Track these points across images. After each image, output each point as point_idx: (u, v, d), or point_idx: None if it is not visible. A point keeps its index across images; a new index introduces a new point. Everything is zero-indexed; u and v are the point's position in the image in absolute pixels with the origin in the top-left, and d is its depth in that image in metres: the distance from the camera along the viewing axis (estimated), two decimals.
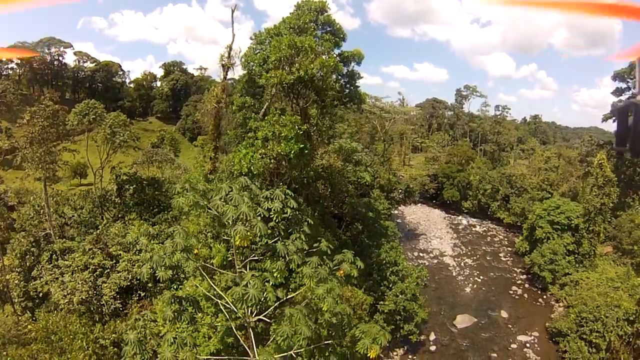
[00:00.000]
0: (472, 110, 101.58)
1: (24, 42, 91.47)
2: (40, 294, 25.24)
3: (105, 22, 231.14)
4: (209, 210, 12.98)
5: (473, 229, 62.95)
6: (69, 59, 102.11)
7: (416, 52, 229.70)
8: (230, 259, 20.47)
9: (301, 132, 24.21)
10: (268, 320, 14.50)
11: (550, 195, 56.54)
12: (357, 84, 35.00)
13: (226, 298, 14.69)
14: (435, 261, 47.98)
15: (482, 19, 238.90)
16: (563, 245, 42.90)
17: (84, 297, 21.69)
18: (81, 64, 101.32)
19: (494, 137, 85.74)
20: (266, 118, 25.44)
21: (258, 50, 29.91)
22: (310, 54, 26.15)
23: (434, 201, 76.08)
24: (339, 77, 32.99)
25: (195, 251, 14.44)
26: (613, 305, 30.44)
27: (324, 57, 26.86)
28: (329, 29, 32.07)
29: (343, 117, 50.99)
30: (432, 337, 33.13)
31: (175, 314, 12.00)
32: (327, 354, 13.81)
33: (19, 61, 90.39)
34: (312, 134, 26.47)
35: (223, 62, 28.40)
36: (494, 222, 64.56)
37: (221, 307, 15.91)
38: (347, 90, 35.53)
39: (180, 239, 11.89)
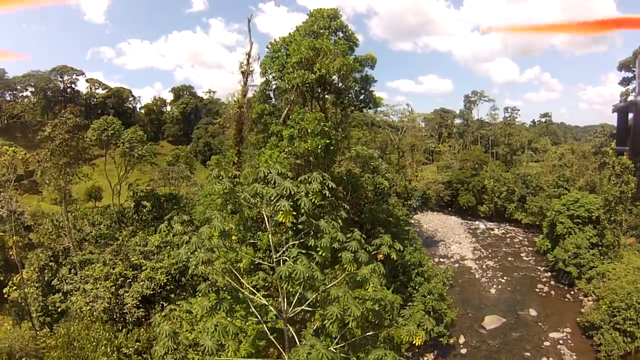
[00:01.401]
0: (482, 115, 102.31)
1: (37, 70, 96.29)
2: (59, 309, 25.79)
3: (113, 51, 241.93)
4: (241, 202, 13.28)
5: (491, 232, 62.67)
6: (81, 86, 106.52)
7: (420, 65, 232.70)
8: (257, 262, 21.04)
9: (326, 128, 25.04)
10: (308, 309, 14.52)
11: (567, 191, 56.31)
12: (371, 88, 36.38)
13: (259, 297, 15.24)
14: (457, 265, 47.84)
15: (482, 27, 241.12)
16: (586, 239, 42.60)
17: (106, 305, 22.15)
18: (93, 90, 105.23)
19: (505, 139, 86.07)
20: (291, 117, 26.50)
21: (275, 58, 31.43)
22: (329, 55, 27.42)
23: (450, 208, 76.11)
24: (355, 82, 34.24)
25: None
26: None
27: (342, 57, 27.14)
28: (341, 34, 33.54)
29: (359, 123, 51.83)
30: (462, 339, 32.96)
31: (214, 304, 12.34)
32: (372, 343, 13.79)
33: (33, 89, 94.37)
34: (333, 137, 27.34)
35: (242, 69, 29.89)
36: (512, 224, 64.28)
37: (252, 309, 16.33)
38: (362, 96, 37.26)
39: (218, 222, 12.32)
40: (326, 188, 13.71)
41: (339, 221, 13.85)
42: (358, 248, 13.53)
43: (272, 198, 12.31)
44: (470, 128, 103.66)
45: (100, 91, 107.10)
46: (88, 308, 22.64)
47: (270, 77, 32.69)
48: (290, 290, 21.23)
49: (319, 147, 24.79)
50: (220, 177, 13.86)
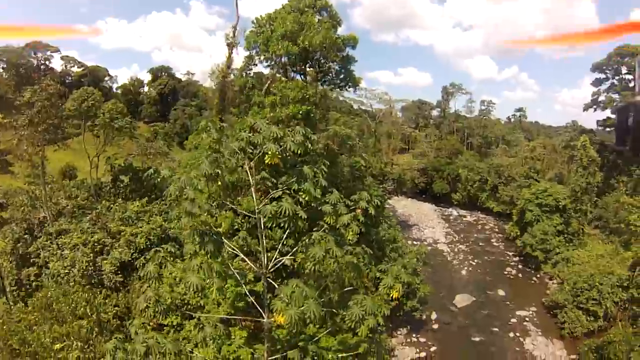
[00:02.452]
0: (458, 107, 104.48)
1: (9, 45, 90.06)
2: (34, 283, 24.87)
3: (89, 30, 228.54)
4: (223, 161, 12.92)
5: (464, 218, 64.66)
6: (56, 64, 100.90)
7: (400, 57, 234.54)
8: (236, 227, 20.61)
9: (307, 96, 25.48)
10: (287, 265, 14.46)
11: (537, 182, 58.61)
12: (351, 68, 37.45)
13: (236, 250, 14.88)
14: (430, 248, 48.81)
15: (464, 23, 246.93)
16: (553, 226, 44.57)
17: (84, 269, 21.43)
18: (68, 68, 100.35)
19: (480, 130, 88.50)
20: (274, 85, 27.24)
21: (260, 33, 32.04)
22: (313, 29, 28.51)
23: (424, 195, 77.73)
24: (336, 57, 35.28)
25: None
26: (606, 273, 31.97)
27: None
28: (325, 14, 34.37)
29: (338, 108, 53.32)
30: (434, 316, 33.89)
31: (198, 245, 11.74)
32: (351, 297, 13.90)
33: (5, 65, 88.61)
34: (312, 107, 27.97)
35: (228, 41, 30.39)
36: (484, 212, 66.49)
37: (232, 270, 16.06)
38: (342, 75, 38.46)
39: (207, 166, 11.63)
40: (308, 141, 13.47)
41: (321, 171, 13.86)
42: (338, 201, 13.53)
43: (258, 142, 12.09)
44: (447, 120, 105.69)
45: (75, 69, 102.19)
46: (66, 272, 22.01)
47: (254, 52, 33.44)
48: (272, 234, 21.11)
49: (300, 112, 25.17)
50: (208, 128, 13.29)
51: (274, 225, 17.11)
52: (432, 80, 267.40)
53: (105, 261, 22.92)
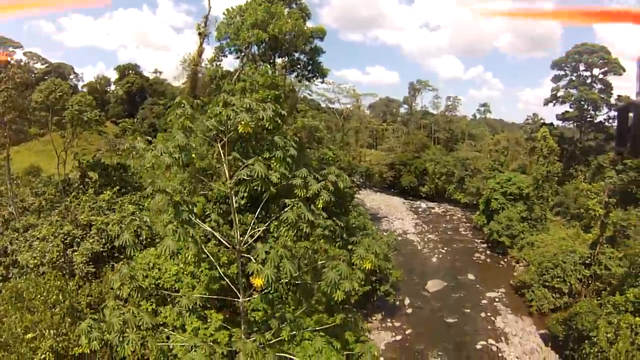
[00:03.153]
0: (425, 103, 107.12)
1: None
2: (2, 276, 22.99)
3: (53, 26, 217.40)
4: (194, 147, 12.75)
5: (432, 210, 66.08)
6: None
7: (368, 56, 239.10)
8: (208, 212, 20.00)
9: (275, 81, 26.23)
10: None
11: (501, 174, 60.96)
12: (319, 60, 39.55)
13: (206, 228, 14.39)
14: (400, 238, 49.37)
15: (432, 24, 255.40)
16: (517, 213, 46.43)
17: (54, 259, 20.34)
18: (32, 65, 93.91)
19: (447, 125, 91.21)
20: (243, 73, 28.23)
21: (231, 24, 33.83)
22: (283, 19, 30.56)
23: (392, 190, 78.89)
24: (305, 45, 37.38)
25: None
26: (569, 252, 33.42)
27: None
28: (295, 6, 36.13)
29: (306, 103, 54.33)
30: (407, 301, 34.10)
31: (173, 216, 11.22)
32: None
33: None
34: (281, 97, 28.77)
35: (200, 31, 31.30)
36: (452, 204, 68.33)
37: (205, 253, 15.68)
38: (310, 66, 40.36)
39: (180, 138, 11.14)
40: (279, 117, 13.74)
41: (292, 140, 14.10)
42: (307, 174, 13.64)
43: (231, 116, 12.29)
44: (414, 117, 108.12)
45: (39, 66, 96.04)
46: (36, 262, 20.77)
47: (225, 42, 34.82)
48: (244, 219, 20.64)
49: (269, 97, 25.42)
50: (182, 105, 13.04)
51: (246, 192, 16.49)
52: (400, 80, 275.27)
53: (76, 253, 21.73)
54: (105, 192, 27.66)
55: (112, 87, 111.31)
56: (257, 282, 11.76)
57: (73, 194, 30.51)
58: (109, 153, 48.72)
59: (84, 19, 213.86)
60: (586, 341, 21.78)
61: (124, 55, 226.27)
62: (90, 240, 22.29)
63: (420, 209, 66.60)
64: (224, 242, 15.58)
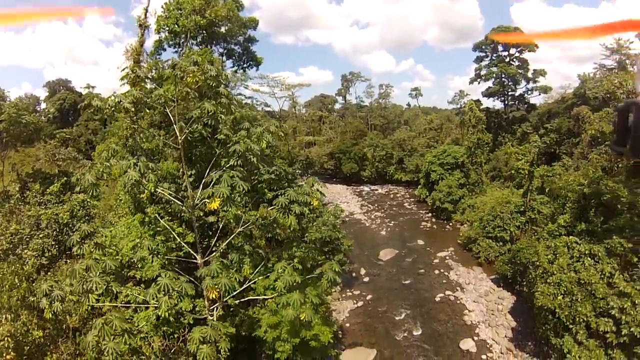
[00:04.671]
0: (359, 94, 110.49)
1: None
2: None
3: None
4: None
5: (376, 192, 68.66)
6: None
7: (300, 57, 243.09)
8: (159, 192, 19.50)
9: (212, 60, 27.37)
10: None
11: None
12: (253, 49, 43.43)
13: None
14: (347, 219, 50.69)
15: (362, 21, 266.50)
16: (455, 180, 50.03)
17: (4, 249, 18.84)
18: None
19: (382, 112, 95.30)
20: (183, 55, 29.43)
21: (168, 17, 36.69)
22: (218, 4, 34.32)
23: (334, 179, 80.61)
24: (239, 30, 41.36)
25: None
26: (505, 203, 36.67)
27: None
28: None
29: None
30: (363, 271, 35.08)
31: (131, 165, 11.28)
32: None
33: None
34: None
35: (140, 22, 32.15)
36: (394, 184, 71.63)
37: (162, 223, 16.37)
38: (245, 57, 44.06)
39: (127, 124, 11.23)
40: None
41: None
42: (250, 126, 15.43)
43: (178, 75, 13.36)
44: (350, 110, 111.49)
45: None
46: None
47: (163, 35, 37.61)
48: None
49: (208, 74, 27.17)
50: (134, 71, 14.15)
51: (199, 126, 16.68)
52: (333, 78, 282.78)
53: (25, 250, 20.42)
54: (53, 185, 26.80)
55: (43, 105, 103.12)
56: (214, 204, 11.69)
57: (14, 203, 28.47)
58: (48, 163, 45.83)
59: (4, 35, 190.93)
60: (530, 267, 24.07)
61: (51, 74, 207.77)
62: (41, 236, 21.20)
63: (364, 192, 68.81)
64: (178, 202, 15.38)
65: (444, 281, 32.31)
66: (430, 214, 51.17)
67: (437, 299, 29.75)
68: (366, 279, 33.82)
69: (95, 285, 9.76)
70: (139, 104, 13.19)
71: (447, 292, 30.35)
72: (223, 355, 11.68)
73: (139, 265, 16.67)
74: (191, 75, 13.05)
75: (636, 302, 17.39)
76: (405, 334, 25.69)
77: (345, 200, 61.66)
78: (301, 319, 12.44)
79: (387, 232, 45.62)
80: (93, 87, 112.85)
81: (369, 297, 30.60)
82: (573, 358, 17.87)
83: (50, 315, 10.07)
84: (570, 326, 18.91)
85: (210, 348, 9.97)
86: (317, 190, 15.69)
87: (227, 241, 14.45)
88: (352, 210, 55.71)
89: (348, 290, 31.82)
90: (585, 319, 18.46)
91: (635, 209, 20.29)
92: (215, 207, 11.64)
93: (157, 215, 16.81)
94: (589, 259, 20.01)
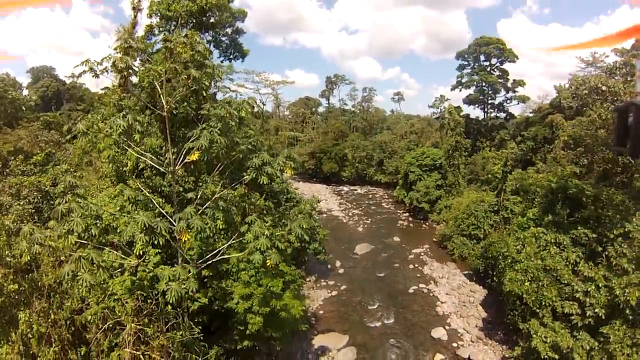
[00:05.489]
0: (342, 96, 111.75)
1: None
2: None
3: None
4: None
5: (355, 192, 69.66)
6: None
7: (288, 59, 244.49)
8: (142, 167, 19.43)
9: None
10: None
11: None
12: (240, 41, 44.04)
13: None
14: (325, 215, 51.27)
15: (351, 27, 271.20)
16: (433, 181, 51.35)
17: None
18: None
19: (365, 115, 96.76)
20: (173, 35, 29.86)
21: (161, 3, 36.63)
22: None
23: (315, 178, 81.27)
24: (228, 19, 41.96)
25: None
26: (479, 202, 37.92)
27: None
28: None
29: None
30: (338, 263, 35.61)
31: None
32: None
33: None
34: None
35: (134, 5, 32.15)
36: (374, 185, 72.88)
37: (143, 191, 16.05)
38: (232, 49, 44.73)
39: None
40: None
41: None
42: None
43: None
44: (333, 113, 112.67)
45: None
46: None
47: (155, 22, 37.28)
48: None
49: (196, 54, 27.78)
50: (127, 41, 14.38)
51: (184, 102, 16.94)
52: (319, 82, 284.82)
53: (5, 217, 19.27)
54: (37, 155, 26.46)
55: (25, 92, 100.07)
56: (193, 157, 11.96)
57: None
58: (30, 145, 44.93)
59: None
60: (500, 258, 25.04)
61: (33, 61, 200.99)
62: (22, 203, 20.65)
63: (343, 192, 69.63)
64: (158, 167, 15.50)
65: (418, 275, 33.13)
66: (407, 214, 52.28)
67: (411, 290, 30.49)
68: (341, 271, 34.32)
69: (76, 225, 9.83)
70: (130, 68, 13.35)
71: (421, 285, 31.14)
72: (190, 294, 12.00)
73: (119, 231, 16.73)
74: (181, 47, 13.33)
75: (600, 285, 18.47)
76: (378, 323, 26.24)
77: (324, 198, 62.09)
78: (267, 264, 12.62)
79: (364, 229, 46.36)
80: (78, 76, 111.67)
81: (343, 287, 31.07)
82: (539, 338, 18.72)
83: (29, 258, 10.04)
84: (537, 310, 19.83)
85: (179, 285, 10.23)
86: (293, 158, 15.83)
87: (205, 207, 14.65)
88: (330, 207, 56.34)
89: (323, 280, 32.23)
90: (551, 302, 19.42)
91: (599, 201, 21.49)
92: (195, 159, 11.91)
93: (139, 185, 16.83)
94: (554, 247, 21.07)
